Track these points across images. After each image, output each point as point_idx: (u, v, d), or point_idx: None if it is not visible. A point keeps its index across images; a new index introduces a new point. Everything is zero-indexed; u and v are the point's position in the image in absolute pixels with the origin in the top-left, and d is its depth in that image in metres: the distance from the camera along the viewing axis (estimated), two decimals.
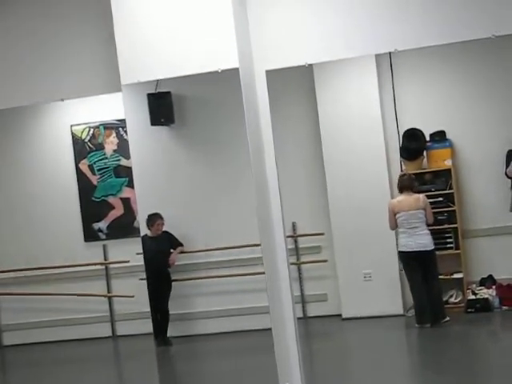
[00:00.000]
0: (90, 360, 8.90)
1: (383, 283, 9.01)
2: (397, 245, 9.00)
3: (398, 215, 8.71)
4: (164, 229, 9.44)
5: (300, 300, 9.18)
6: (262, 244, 5.13)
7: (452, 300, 8.81)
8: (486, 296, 8.71)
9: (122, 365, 9.18)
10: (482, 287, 8.80)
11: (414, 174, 8.93)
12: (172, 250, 9.44)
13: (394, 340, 8.29)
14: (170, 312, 9.36)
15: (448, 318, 8.48)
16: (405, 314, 8.86)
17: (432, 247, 8.62)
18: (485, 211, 8.93)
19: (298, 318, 5.24)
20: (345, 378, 6.92)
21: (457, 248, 8.90)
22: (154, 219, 9.43)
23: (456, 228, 8.89)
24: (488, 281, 8.84)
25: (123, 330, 9.80)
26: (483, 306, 8.62)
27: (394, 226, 8.73)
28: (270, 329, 5.02)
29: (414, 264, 8.64)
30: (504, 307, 8.68)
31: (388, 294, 8.98)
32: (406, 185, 8.76)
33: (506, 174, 8.64)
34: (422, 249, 8.58)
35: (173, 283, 9.47)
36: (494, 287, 8.76)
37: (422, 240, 8.60)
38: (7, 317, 10.11)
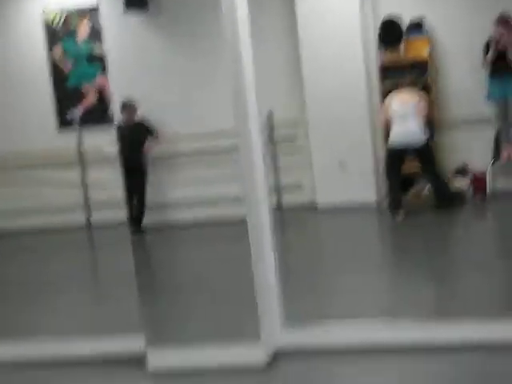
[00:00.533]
0: (65, 248, 8.94)
1: (358, 172, 9.05)
2: (371, 133, 9.02)
3: (392, 107, 8.53)
4: (138, 117, 9.38)
5: (275, 189, 9.23)
6: (237, 131, 5.09)
7: (425, 192, 8.85)
8: (460, 186, 8.77)
9: (97, 253, 9.23)
10: (458, 176, 8.84)
11: (391, 63, 8.87)
12: (147, 139, 9.40)
13: (366, 227, 8.37)
14: (145, 200, 9.40)
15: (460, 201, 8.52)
16: (378, 204, 8.94)
17: (423, 141, 8.39)
18: (461, 100, 8.92)
19: (273, 208, 5.25)
20: (318, 266, 7.01)
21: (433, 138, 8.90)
22: (126, 107, 9.36)
23: (432, 118, 8.86)
24: (462, 171, 8.89)
25: (98, 219, 9.83)
26: (457, 196, 8.68)
27: (388, 117, 8.55)
28: (245, 218, 5.02)
29: (399, 159, 8.50)
30: (476, 196, 8.76)
31: (362, 182, 9.03)
32: (404, 81, 8.67)
33: (482, 63, 8.61)
34: (412, 144, 8.39)
35: (148, 171, 9.47)
36: (468, 177, 8.82)
37: (412, 135, 8.37)
38: None
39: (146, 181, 9.40)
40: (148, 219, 9.32)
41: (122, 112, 9.34)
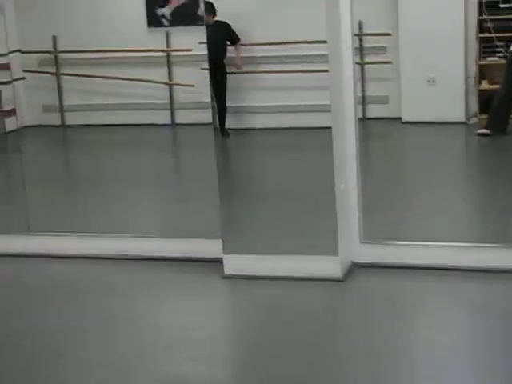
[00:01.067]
0: (149, 145, 9.05)
1: (447, 89, 8.85)
2: (464, 49, 8.80)
3: None
4: (221, 19, 9.25)
5: (361, 101, 9.10)
6: (328, 41, 5.01)
7: None
8: None
9: (179, 152, 9.31)
10: None
11: None
12: (228, 43, 9.29)
13: (452, 145, 8.23)
14: (230, 105, 9.37)
15: None
16: (466, 122, 8.76)
17: None
18: None
19: (358, 119, 5.19)
20: (399, 181, 6.95)
21: None
22: (207, 7, 9.24)
23: None
24: None
25: (182, 119, 9.87)
26: None
27: None
28: (329, 127, 4.97)
29: None
30: None
31: (451, 100, 8.84)
32: None
33: None
34: None
35: (231, 76, 9.41)
36: None
37: None
38: (69, 97, 10.23)
39: (226, 84, 9.33)
40: (232, 123, 9.32)
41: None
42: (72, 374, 3.92)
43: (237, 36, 9.23)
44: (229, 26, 9.24)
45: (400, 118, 9.05)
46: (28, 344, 4.23)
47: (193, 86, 9.55)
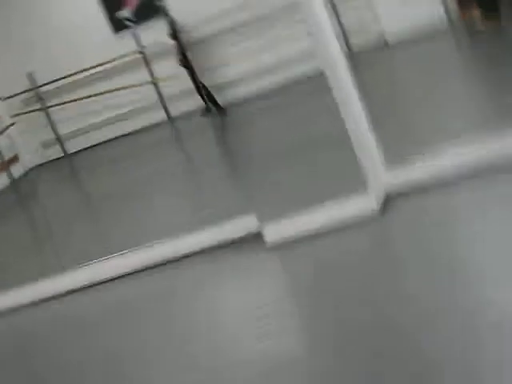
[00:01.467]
0: (154, 145, 9.05)
1: None
2: None
3: None
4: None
5: (342, 35, 8.99)
6: None
7: None
8: None
9: (186, 142, 9.27)
10: None
11: None
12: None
13: (443, 54, 8.08)
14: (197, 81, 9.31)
15: None
16: (451, 24, 8.62)
17: None
18: None
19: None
20: (403, 102, 6.88)
21: None
22: None
23: None
24: None
25: (177, 111, 9.84)
26: None
27: None
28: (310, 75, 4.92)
29: None
30: None
31: (429, 4, 8.67)
32: None
33: None
34: None
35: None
36: None
37: None
38: (63, 126, 10.22)
39: (190, 64, 9.24)
40: (223, 98, 9.32)
41: None
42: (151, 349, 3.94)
43: (175, 32, 9.18)
44: (169, 17, 9.18)
45: (384, 40, 8.94)
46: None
47: (176, 77, 9.48)
